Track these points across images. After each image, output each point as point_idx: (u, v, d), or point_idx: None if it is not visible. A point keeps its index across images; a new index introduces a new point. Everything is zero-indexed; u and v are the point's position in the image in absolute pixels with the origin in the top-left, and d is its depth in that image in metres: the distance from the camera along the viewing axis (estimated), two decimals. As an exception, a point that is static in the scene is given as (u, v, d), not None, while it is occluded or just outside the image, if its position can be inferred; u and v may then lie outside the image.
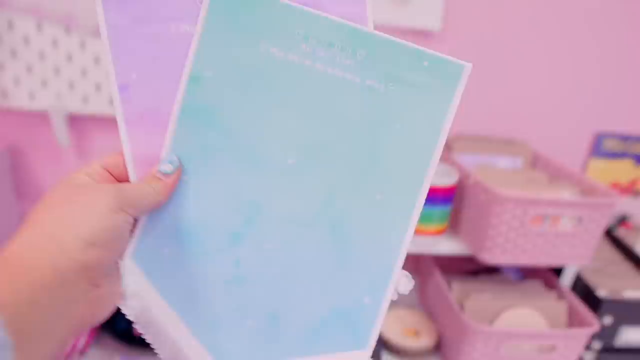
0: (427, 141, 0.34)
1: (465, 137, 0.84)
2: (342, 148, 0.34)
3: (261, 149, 0.35)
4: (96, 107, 0.77)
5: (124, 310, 0.33)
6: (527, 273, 0.79)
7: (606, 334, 0.71)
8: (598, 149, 0.91)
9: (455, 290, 0.72)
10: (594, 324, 0.65)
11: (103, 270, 0.30)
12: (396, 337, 0.70)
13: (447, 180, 0.67)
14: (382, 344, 0.67)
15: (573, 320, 0.69)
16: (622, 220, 0.96)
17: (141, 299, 0.35)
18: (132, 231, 0.33)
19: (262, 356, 0.37)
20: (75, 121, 0.81)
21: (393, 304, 0.77)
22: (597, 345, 0.71)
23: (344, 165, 0.34)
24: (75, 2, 0.73)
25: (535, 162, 0.84)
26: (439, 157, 0.34)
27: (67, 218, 0.29)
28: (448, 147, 0.82)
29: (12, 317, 0.24)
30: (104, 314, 0.31)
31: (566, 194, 0.67)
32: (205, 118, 0.35)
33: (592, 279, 0.73)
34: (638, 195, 0.96)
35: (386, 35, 0.33)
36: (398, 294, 0.34)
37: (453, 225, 0.72)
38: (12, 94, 0.77)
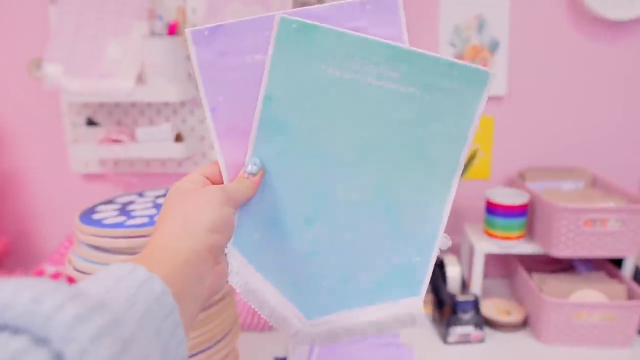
0: (461, 135, 0.41)
1: (535, 169, 1.11)
2: (391, 144, 0.41)
3: (324, 149, 0.42)
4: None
5: (232, 284, 0.42)
6: (595, 267, 1.02)
7: (662, 310, 0.92)
8: (651, 169, 1.13)
9: (536, 279, 0.98)
10: (646, 298, 0.88)
11: (221, 249, 0.38)
12: (494, 316, 0.97)
13: (521, 200, 0.95)
14: (484, 320, 0.94)
15: (631, 298, 0.91)
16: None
17: (242, 275, 0.43)
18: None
19: (337, 307, 0.45)
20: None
21: (491, 294, 1.03)
22: (656, 319, 0.92)
23: (393, 158, 0.41)
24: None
25: (595, 183, 1.08)
26: (469, 148, 0.40)
27: (191, 213, 0.36)
28: (522, 177, 1.09)
29: (174, 287, 0.31)
30: (223, 284, 0.39)
31: (612, 204, 0.92)
32: (278, 128, 0.42)
33: (649, 270, 0.95)
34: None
35: (422, 51, 0.39)
36: (440, 250, 0.43)
37: (529, 232, 0.99)
38: (185, 163, 1.17)
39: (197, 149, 1.13)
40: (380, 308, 0.44)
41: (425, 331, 0.94)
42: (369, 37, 0.40)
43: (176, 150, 1.03)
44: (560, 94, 1.09)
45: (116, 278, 0.29)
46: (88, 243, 0.64)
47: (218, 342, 0.69)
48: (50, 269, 0.99)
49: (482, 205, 1.05)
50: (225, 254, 0.41)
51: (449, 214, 0.42)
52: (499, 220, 0.96)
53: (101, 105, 1.11)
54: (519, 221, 0.96)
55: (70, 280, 0.97)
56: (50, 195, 1.20)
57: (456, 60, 0.39)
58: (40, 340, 0.22)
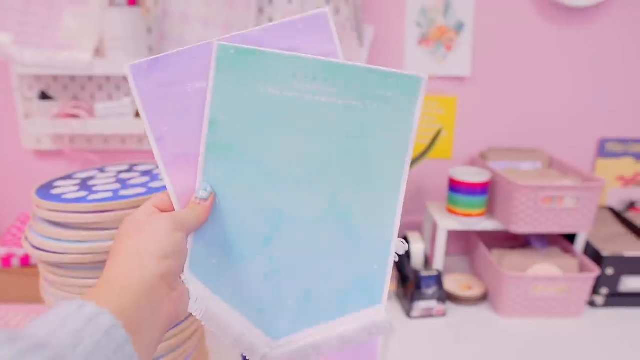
0: (403, 140, 0.42)
1: (496, 149, 1.14)
2: (337, 157, 0.42)
3: (274, 167, 0.42)
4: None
5: (192, 313, 0.42)
6: (549, 243, 1.07)
7: (610, 282, 0.97)
8: (603, 151, 1.18)
9: (495, 255, 1.01)
10: (596, 270, 0.93)
11: (174, 276, 0.38)
12: (455, 290, 1.00)
13: (483, 178, 0.98)
14: (446, 295, 0.97)
15: (583, 272, 0.96)
16: (631, 206, 1.21)
17: (203, 301, 0.42)
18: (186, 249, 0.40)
19: (302, 325, 0.45)
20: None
21: (452, 270, 1.07)
22: (604, 291, 0.98)
23: (341, 170, 0.42)
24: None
25: (551, 164, 1.13)
26: (412, 150, 0.41)
27: (141, 243, 0.37)
28: (483, 157, 1.12)
29: (126, 319, 0.31)
30: (183, 310, 0.39)
31: (568, 182, 0.96)
32: (226, 152, 0.42)
33: (599, 245, 1.00)
34: (641, 185, 1.21)
35: (356, 64, 0.41)
36: (397, 255, 0.44)
37: (490, 210, 1.02)
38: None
39: (159, 126, 1.09)
40: (344, 320, 0.44)
41: (389, 306, 0.96)
42: (302, 55, 0.41)
43: (137, 126, 1.00)
44: (521, 77, 1.12)
45: (63, 316, 0.29)
46: (47, 219, 0.61)
47: (187, 340, 0.68)
48: (0, 250, 0.95)
49: (444, 184, 1.07)
50: (183, 281, 0.41)
51: (400, 219, 0.43)
52: (461, 198, 0.99)
53: (55, 78, 1.06)
54: (480, 199, 0.99)
55: (25, 262, 0.93)
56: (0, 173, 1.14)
57: (389, 70, 0.41)
58: None
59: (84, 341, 0.28)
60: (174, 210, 0.43)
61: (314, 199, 0.43)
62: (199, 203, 0.42)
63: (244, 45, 0.41)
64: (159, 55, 0.41)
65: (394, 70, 0.40)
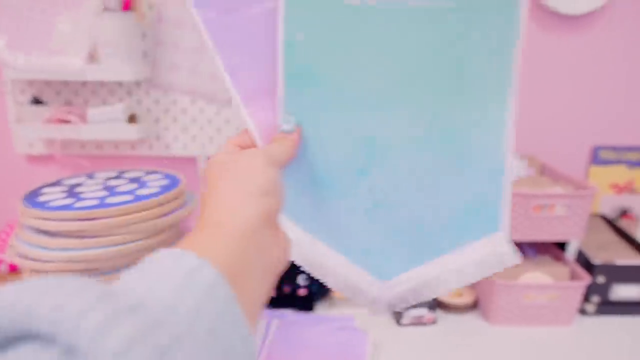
0: (505, 46, 0.36)
1: (489, 156, 1.14)
2: (433, 69, 0.37)
3: (361, 89, 0.37)
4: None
5: (292, 258, 0.37)
6: (540, 251, 1.07)
7: (601, 290, 0.97)
8: (596, 158, 1.18)
9: (487, 263, 1.01)
10: (587, 279, 0.93)
11: (277, 215, 0.35)
12: (446, 298, 1.00)
13: (474, 185, 0.97)
14: (437, 303, 0.97)
15: (574, 279, 0.96)
16: (624, 213, 1.21)
17: (300, 246, 0.39)
18: None
19: (413, 262, 0.40)
20: (213, 162, 1.17)
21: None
22: (595, 299, 0.97)
23: (438, 83, 0.37)
24: (215, 85, 1.10)
25: (544, 171, 1.13)
26: (519, 56, 0.36)
27: (237, 181, 0.33)
28: (476, 164, 1.13)
29: (231, 269, 0.27)
30: (288, 254, 0.35)
31: (560, 189, 0.96)
32: (307, 76, 0.37)
33: (590, 253, 1.00)
34: (635, 193, 1.21)
35: None
36: (517, 176, 0.43)
37: (482, 217, 1.02)
38: (172, 145, 1.14)
39: (152, 131, 1.09)
40: (459, 253, 0.39)
41: (379, 315, 0.96)
42: None
43: (130, 132, 1.00)
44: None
45: (161, 269, 0.25)
46: (33, 227, 0.61)
47: None
48: (-9, 256, 0.95)
49: (437, 191, 1.07)
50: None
51: (513, 133, 0.38)
52: (454, 206, 0.99)
53: (48, 83, 1.06)
54: (472, 206, 0.98)
55: (12, 267, 0.93)
56: (-8, 178, 1.14)
57: None
58: (70, 351, 0.20)
59: (186, 301, 0.24)
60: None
61: (410, 120, 0.38)
62: (285, 136, 0.38)
63: None
64: None
65: None
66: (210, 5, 0.37)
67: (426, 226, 0.40)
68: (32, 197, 0.64)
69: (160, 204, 0.63)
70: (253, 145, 0.38)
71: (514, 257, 0.39)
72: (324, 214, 0.40)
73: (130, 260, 0.61)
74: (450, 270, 0.39)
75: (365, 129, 0.38)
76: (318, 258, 0.40)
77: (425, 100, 0.38)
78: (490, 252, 0.38)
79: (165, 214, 0.64)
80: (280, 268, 0.34)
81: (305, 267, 0.39)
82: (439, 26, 0.36)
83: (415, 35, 0.36)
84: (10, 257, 0.62)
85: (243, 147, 0.38)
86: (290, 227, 0.39)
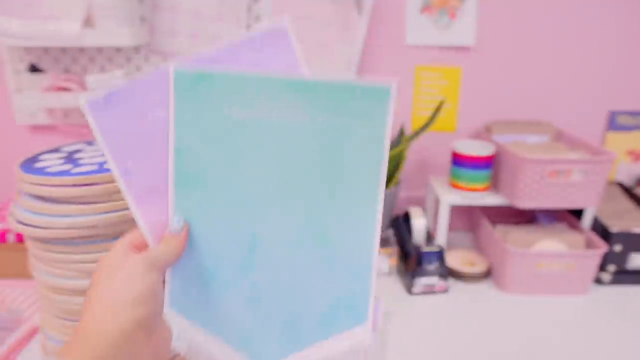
0: (376, 153, 0.39)
1: (501, 122, 1.10)
2: (310, 176, 0.40)
3: (245, 191, 0.41)
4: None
5: (176, 350, 0.40)
6: (556, 218, 1.04)
7: (618, 259, 0.94)
8: (613, 124, 1.14)
9: (499, 231, 0.99)
10: (603, 247, 0.90)
11: (152, 321, 0.37)
12: (458, 267, 0.97)
13: (487, 151, 0.94)
14: (448, 271, 0.94)
15: (589, 248, 0.94)
16: (640, 181, 1.18)
17: (186, 336, 0.42)
18: (164, 286, 0.40)
19: (288, 349, 0.43)
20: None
21: (455, 246, 1.05)
22: (611, 268, 0.95)
23: (314, 189, 0.41)
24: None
25: (559, 137, 1.09)
26: (386, 164, 0.39)
27: (114, 289, 0.36)
28: (488, 130, 1.09)
29: None
30: (166, 354, 0.39)
31: (576, 156, 0.93)
32: (196, 181, 0.41)
33: (607, 221, 0.97)
34: (652, 159, 1.17)
35: (320, 78, 0.38)
36: (381, 272, 0.44)
37: (494, 184, 0.99)
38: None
39: (154, 100, 1.06)
40: (330, 342, 0.43)
41: (391, 282, 0.94)
42: (264, 73, 0.39)
43: (130, 100, 0.97)
44: (528, 46, 1.08)
45: None
46: (31, 193, 0.59)
47: None
48: (-4, 226, 0.93)
49: (448, 157, 1.04)
50: (162, 322, 0.40)
51: (380, 234, 0.41)
52: (465, 172, 0.96)
53: (46, 50, 1.02)
54: (484, 173, 0.95)
55: (20, 235, 0.91)
56: (-7, 149, 1.12)
57: (356, 82, 0.38)
58: None
59: None
60: (147, 246, 0.41)
61: (288, 220, 0.41)
62: (173, 236, 0.41)
63: (201, 68, 0.40)
64: (114, 88, 0.40)
65: (360, 81, 0.38)
66: (106, 113, 0.39)
67: (300, 317, 0.43)
68: (29, 163, 0.62)
69: (162, 169, 0.60)
70: (144, 242, 0.41)
71: (366, 348, 0.42)
72: (209, 304, 0.43)
73: (132, 226, 0.59)
74: (325, 358, 0.43)
75: (248, 225, 0.42)
76: (202, 346, 0.43)
77: (301, 203, 0.41)
78: (357, 342, 0.42)
79: (167, 180, 0.61)
80: None
81: (188, 356, 0.42)
82: (315, 137, 0.39)
83: (294, 144, 0.40)
84: (10, 224, 0.60)
85: (135, 245, 0.40)
86: (174, 318, 0.42)
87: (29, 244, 0.62)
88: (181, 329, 0.42)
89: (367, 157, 0.39)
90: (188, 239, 0.42)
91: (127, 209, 0.58)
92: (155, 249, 0.40)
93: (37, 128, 1.10)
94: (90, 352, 0.32)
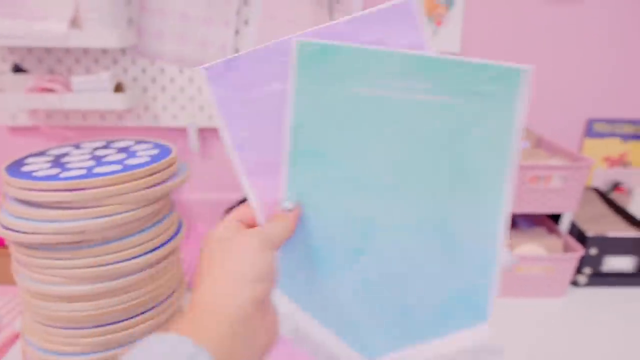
0: (505, 139, 0.37)
1: (484, 128, 1.13)
2: (433, 160, 0.38)
3: (363, 173, 0.39)
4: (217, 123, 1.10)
5: (282, 333, 0.39)
6: (535, 223, 1.07)
7: (593, 262, 0.97)
8: (590, 131, 1.18)
9: (481, 235, 1.01)
10: (580, 251, 0.93)
11: (268, 299, 0.37)
12: (440, 270, 0.99)
13: (470, 157, 0.96)
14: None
15: (567, 251, 0.96)
16: (616, 186, 1.21)
17: (293, 320, 0.40)
18: None
19: (400, 343, 0.41)
20: (203, 133, 1.14)
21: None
22: (587, 270, 0.98)
23: (437, 174, 0.38)
24: (205, 53, 1.06)
25: (539, 144, 1.12)
26: (517, 153, 0.36)
27: (232, 266, 0.34)
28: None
29: (218, 349, 0.30)
30: (276, 338, 0.37)
31: (555, 162, 0.95)
32: (311, 158, 0.39)
33: (584, 225, 1.00)
34: (627, 166, 1.21)
35: (450, 57, 0.36)
36: (506, 267, 0.39)
37: (476, 190, 1.01)
38: (161, 116, 1.11)
39: (139, 101, 1.06)
40: (446, 340, 0.41)
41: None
42: (393, 49, 0.37)
43: (116, 102, 0.96)
44: (510, 54, 1.10)
45: (159, 355, 0.28)
46: (17, 197, 0.58)
47: (163, 301, 0.66)
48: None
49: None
50: (273, 304, 0.39)
51: (506, 226, 0.39)
52: (449, 178, 0.97)
53: (30, 50, 1.01)
54: (467, 178, 0.97)
55: (1, 242, 0.90)
56: (-26, 150, 1.10)
57: (487, 62, 0.36)
58: None
59: None
60: (256, 224, 0.40)
61: (407, 207, 0.39)
62: (285, 214, 0.39)
63: (324, 41, 0.37)
64: (234, 56, 0.38)
65: (494, 62, 0.36)
66: (224, 82, 0.38)
67: (414, 311, 0.41)
68: (15, 167, 0.62)
69: (151, 174, 0.60)
70: (253, 219, 0.39)
71: (499, 349, 0.40)
72: (317, 290, 0.41)
73: (120, 232, 0.59)
74: (436, 356, 0.40)
75: (363, 210, 0.39)
76: (309, 333, 0.41)
77: (422, 189, 0.39)
78: (477, 343, 0.40)
79: (155, 184, 0.61)
80: (265, 352, 0.36)
81: (295, 342, 0.40)
82: (442, 119, 0.37)
83: (419, 126, 0.37)
84: (-6, 230, 0.59)
85: (243, 222, 0.39)
86: (282, 301, 0.40)
87: (12, 249, 0.62)
88: (289, 313, 0.40)
89: (496, 144, 0.37)
90: (299, 219, 0.40)
91: (116, 214, 0.58)
92: (269, 226, 0.38)
93: (17, 129, 1.09)
94: (212, 333, 0.31)
